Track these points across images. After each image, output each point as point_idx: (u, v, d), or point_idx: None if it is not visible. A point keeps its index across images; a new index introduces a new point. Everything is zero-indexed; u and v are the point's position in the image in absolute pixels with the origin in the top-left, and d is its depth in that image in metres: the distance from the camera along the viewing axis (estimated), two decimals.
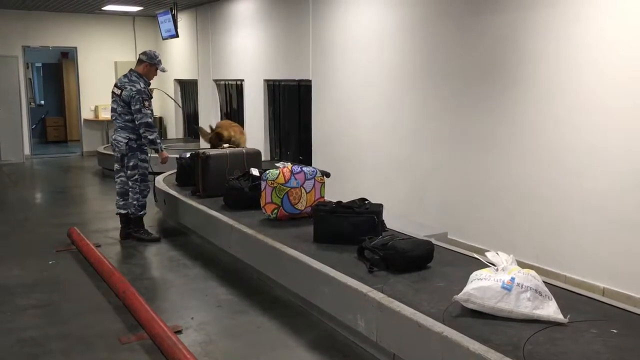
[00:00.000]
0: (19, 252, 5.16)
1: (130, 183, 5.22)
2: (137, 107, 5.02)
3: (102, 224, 6.11)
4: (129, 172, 5.20)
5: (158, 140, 5.19)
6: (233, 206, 4.98)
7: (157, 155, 5.35)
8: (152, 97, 5.14)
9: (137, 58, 5.29)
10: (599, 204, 4.05)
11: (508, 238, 4.73)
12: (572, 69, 4.16)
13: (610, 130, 3.95)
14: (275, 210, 4.49)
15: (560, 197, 4.31)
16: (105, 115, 11.55)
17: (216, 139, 6.17)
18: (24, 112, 11.00)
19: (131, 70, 5.23)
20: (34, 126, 12.48)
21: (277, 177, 4.45)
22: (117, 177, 5.35)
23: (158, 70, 5.27)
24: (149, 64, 5.19)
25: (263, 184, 4.50)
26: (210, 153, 5.50)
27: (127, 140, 5.10)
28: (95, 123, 11.81)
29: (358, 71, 6.39)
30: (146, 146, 5.23)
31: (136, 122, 5.06)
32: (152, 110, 5.16)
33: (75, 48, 11.51)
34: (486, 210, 4.95)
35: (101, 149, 9.77)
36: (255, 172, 5.09)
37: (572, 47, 4.14)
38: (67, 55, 13.02)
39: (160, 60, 5.28)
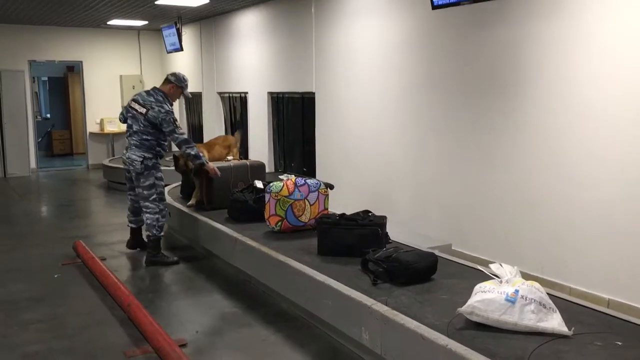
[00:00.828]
0: (24, 266, 5.18)
1: (147, 203, 5.00)
2: (171, 128, 4.91)
3: (107, 237, 6.13)
4: (145, 192, 4.99)
5: (200, 154, 5.10)
6: (237, 218, 5.00)
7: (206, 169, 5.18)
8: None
9: (165, 78, 5.16)
10: (604, 213, 4.04)
11: (512, 249, 4.72)
12: (572, 80, 4.17)
13: (613, 140, 3.94)
14: (279, 223, 4.51)
15: (564, 207, 4.31)
16: (111, 128, 11.66)
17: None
18: (30, 126, 11.07)
19: (155, 88, 5.10)
20: (39, 139, 12.55)
21: (281, 190, 4.47)
22: (130, 195, 5.26)
23: (182, 94, 5.18)
24: (176, 86, 5.08)
25: (267, 196, 4.52)
26: (215, 165, 5.51)
27: (142, 159, 4.93)
28: (100, 136, 11.88)
29: (361, 83, 6.41)
30: (160, 164, 5.12)
31: (173, 143, 4.99)
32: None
33: (81, 62, 11.60)
34: (490, 221, 4.94)
35: (107, 162, 9.80)
36: (259, 184, 5.11)
37: (572, 59, 4.15)
38: (73, 69, 13.13)
39: (187, 85, 5.18)
